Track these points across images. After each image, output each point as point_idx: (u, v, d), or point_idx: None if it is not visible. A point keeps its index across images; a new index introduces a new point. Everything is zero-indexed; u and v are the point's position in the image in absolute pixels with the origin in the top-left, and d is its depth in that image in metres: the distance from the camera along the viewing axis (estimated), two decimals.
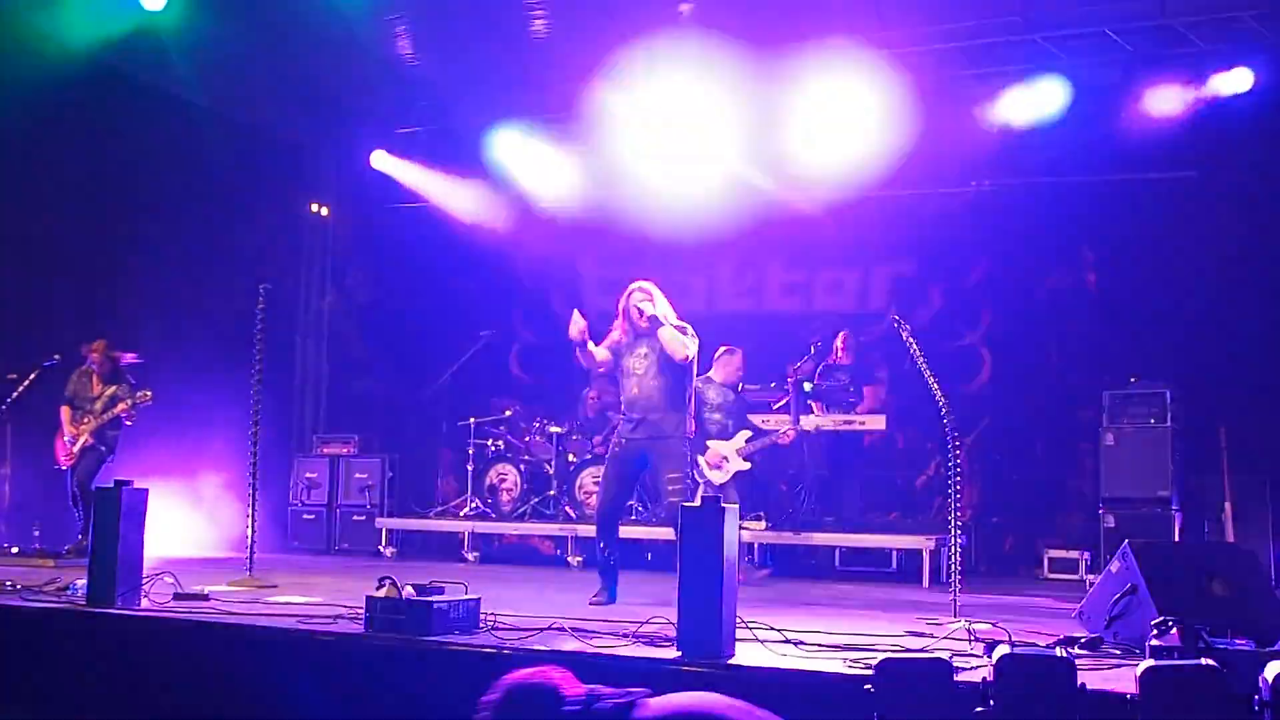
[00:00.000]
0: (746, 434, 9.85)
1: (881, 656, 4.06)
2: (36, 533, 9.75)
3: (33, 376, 9.38)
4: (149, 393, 9.54)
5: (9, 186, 10.23)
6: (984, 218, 11.70)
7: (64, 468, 9.58)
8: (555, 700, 2.97)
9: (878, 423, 10.25)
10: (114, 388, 9.60)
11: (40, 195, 10.39)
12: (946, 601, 6.82)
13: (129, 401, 9.45)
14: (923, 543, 9.56)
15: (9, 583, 6.75)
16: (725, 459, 9.77)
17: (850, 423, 10.30)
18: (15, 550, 9.14)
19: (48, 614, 5.91)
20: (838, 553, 10.64)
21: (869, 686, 3.86)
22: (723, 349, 10.01)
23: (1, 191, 10.17)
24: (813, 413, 10.37)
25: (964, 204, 11.93)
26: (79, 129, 10.66)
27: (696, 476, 9.37)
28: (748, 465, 9.77)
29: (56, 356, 9.50)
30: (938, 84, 11.01)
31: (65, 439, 9.58)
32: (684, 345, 7.14)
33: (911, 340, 7.22)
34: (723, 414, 9.90)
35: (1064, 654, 3.91)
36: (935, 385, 7.21)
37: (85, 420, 9.55)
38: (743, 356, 10.05)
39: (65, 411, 9.65)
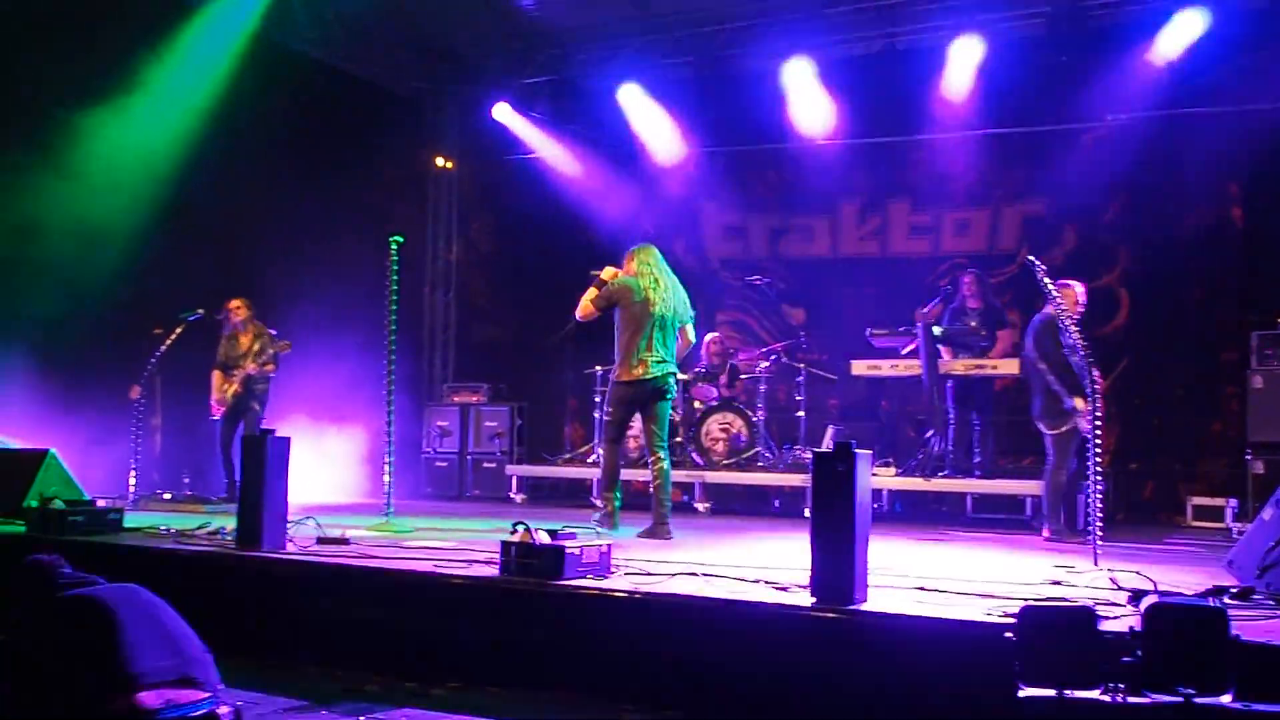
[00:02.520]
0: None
1: (1021, 604, 3.98)
2: (186, 480, 10.13)
3: (178, 331, 9.71)
4: (288, 342, 9.93)
5: (149, 151, 10.53)
6: (1120, 153, 11.32)
7: (216, 417, 10.03)
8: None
9: (1010, 366, 10.02)
10: (258, 341, 9.97)
11: (177, 157, 10.67)
12: (1085, 549, 6.67)
13: (272, 350, 9.82)
14: None
15: (163, 527, 7.02)
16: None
17: (981, 367, 10.09)
18: (168, 497, 9.49)
19: (200, 557, 6.13)
20: (969, 499, 10.49)
21: (1009, 634, 3.79)
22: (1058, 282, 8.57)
23: (142, 156, 10.47)
24: (942, 357, 10.19)
25: (1098, 139, 11.56)
26: (212, 92, 10.89)
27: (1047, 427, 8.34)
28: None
29: (200, 311, 9.82)
30: (1071, 15, 10.66)
31: (215, 400, 10.05)
32: (580, 305, 8.08)
33: (1047, 281, 7.03)
34: (1081, 353, 8.36)
35: (1216, 604, 3.79)
36: (1073, 328, 7.03)
37: (234, 377, 9.95)
38: (1084, 289, 8.58)
39: (217, 376, 10.12)
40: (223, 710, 3.59)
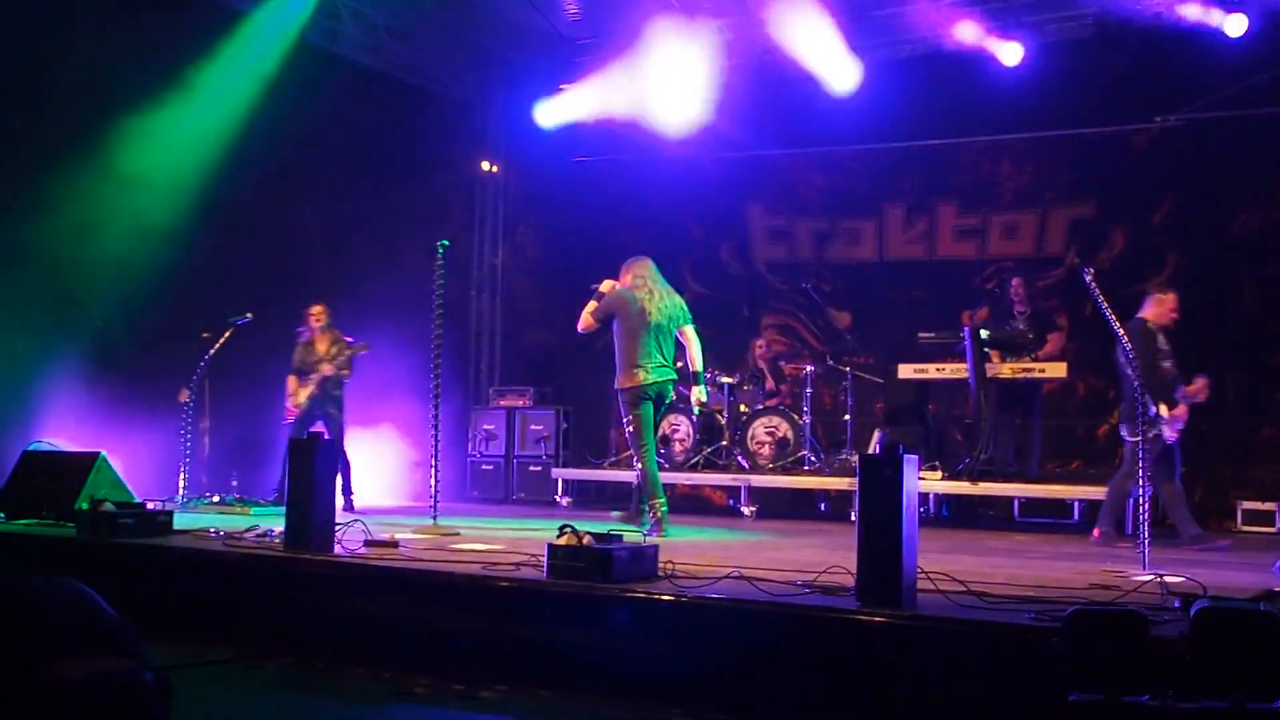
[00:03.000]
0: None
1: (1070, 608, 3.95)
2: (234, 483, 10.24)
3: (226, 335, 9.81)
4: (365, 344, 10.10)
5: (198, 154, 10.67)
6: (1170, 154, 11.21)
7: (288, 421, 10.14)
8: None
9: (1058, 370, 9.95)
10: (334, 346, 10.10)
11: (225, 161, 10.80)
12: (1133, 553, 6.61)
13: (349, 355, 10.06)
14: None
15: (212, 529, 7.10)
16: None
17: (1029, 370, 10.01)
18: (216, 499, 9.59)
19: (248, 559, 6.19)
20: (1016, 503, 10.41)
21: (1058, 639, 3.76)
22: (1154, 289, 8.76)
23: (192, 159, 10.60)
24: (990, 361, 10.12)
25: (1148, 141, 11.45)
26: (262, 96, 11.00)
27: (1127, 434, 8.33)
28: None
29: (248, 315, 9.91)
30: (1119, 16, 10.57)
31: (290, 404, 10.17)
32: (580, 318, 8.47)
33: (1095, 284, 6.97)
34: (1173, 360, 8.40)
35: (1266, 608, 3.75)
36: (1121, 331, 6.97)
37: (309, 382, 10.07)
38: (1175, 299, 8.53)
39: (292, 380, 10.22)
40: (145, 679, 3.61)
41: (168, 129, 10.14)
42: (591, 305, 8.37)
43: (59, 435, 9.06)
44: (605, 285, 8.46)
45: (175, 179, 10.30)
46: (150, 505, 7.26)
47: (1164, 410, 7.89)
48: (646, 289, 8.35)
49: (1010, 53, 11.20)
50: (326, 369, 10.05)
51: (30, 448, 8.10)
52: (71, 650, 3.49)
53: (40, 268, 9.61)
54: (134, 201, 9.99)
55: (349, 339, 10.26)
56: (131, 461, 9.07)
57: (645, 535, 7.34)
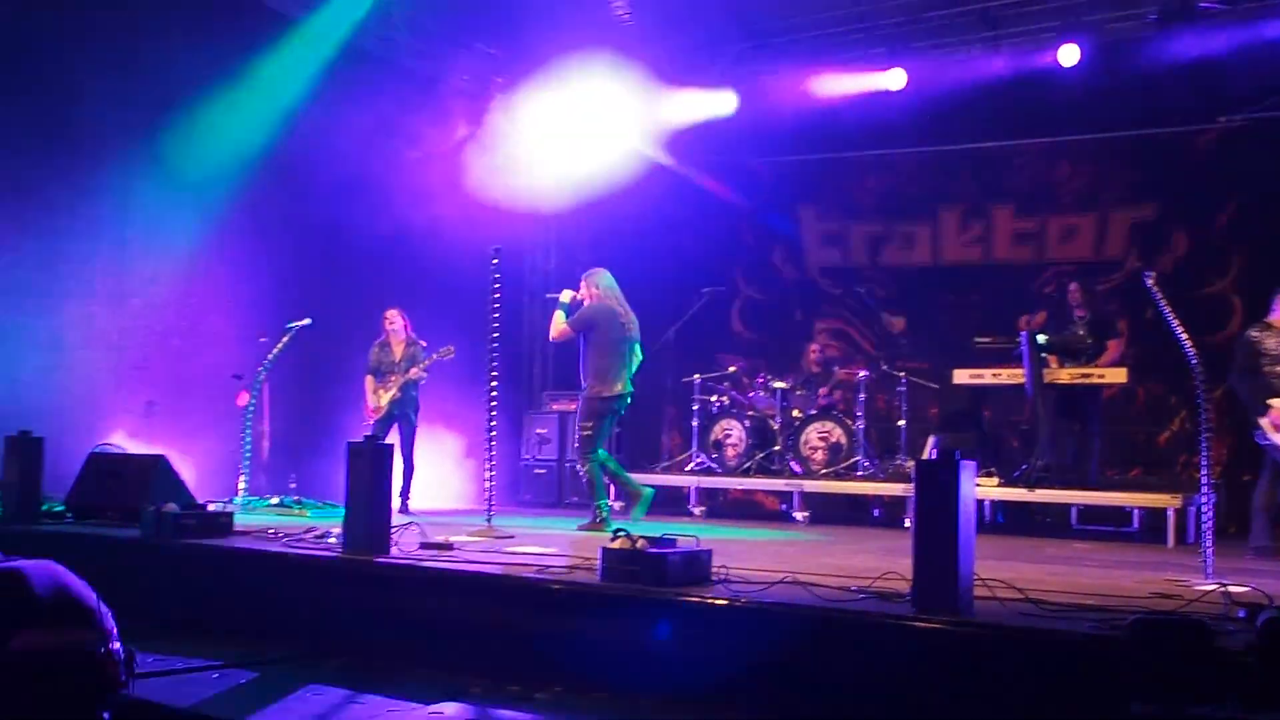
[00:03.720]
0: None
1: (1132, 617, 3.90)
2: (293, 485, 10.34)
3: (285, 339, 9.93)
4: (450, 348, 10.34)
5: (256, 159, 10.79)
6: (1234, 155, 11.05)
7: (370, 421, 10.31)
8: None
9: (1118, 376, 9.83)
10: (410, 348, 10.25)
11: (284, 166, 10.91)
12: (1195, 563, 6.51)
13: (430, 359, 10.28)
14: (1168, 501, 9.13)
15: (272, 531, 7.18)
16: None
17: (1088, 376, 9.90)
18: (275, 501, 9.70)
19: (308, 560, 6.25)
20: (1074, 511, 10.29)
21: (1120, 648, 3.72)
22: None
23: (249, 164, 10.73)
24: (1048, 366, 10.01)
25: (1211, 141, 11.30)
26: (318, 104, 11.12)
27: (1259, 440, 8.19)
28: None
29: (308, 319, 10.03)
30: (1182, 14, 10.42)
31: (370, 406, 10.33)
32: (553, 328, 8.87)
33: (1157, 289, 6.88)
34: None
35: None
36: (1185, 336, 6.87)
37: (389, 384, 10.19)
38: None
39: (369, 381, 10.41)
40: (115, 646, 3.97)
41: (226, 133, 10.27)
42: (561, 315, 8.72)
43: (123, 438, 9.21)
44: (565, 295, 8.79)
45: (234, 182, 10.43)
46: (211, 506, 7.36)
47: (1263, 421, 7.91)
48: (620, 302, 8.69)
49: (1068, 53, 11.08)
50: (413, 372, 10.22)
51: (95, 450, 8.22)
52: (41, 622, 3.89)
53: (102, 272, 9.78)
54: (193, 204, 10.13)
55: (423, 343, 10.45)
56: (192, 464, 9.20)
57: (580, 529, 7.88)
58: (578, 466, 8.84)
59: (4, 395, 8.87)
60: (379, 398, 10.35)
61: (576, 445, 8.79)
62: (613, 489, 9.09)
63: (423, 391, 10.74)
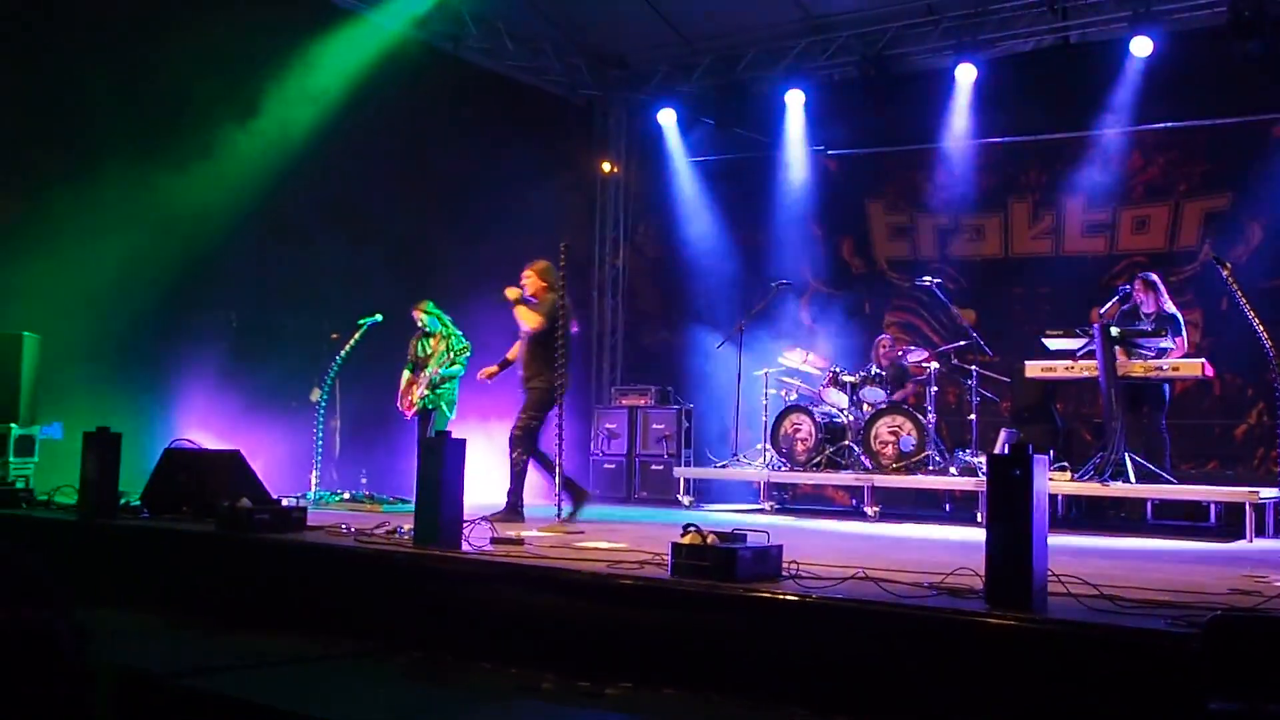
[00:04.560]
0: None
1: (1209, 614, 3.84)
2: (364, 480, 10.47)
3: (356, 336, 10.04)
4: (468, 345, 10.20)
5: (330, 161, 10.95)
6: None
7: (408, 417, 10.32)
8: None
9: (1193, 369, 9.64)
10: (444, 342, 10.26)
11: (354, 167, 11.05)
12: (1275, 558, 6.38)
13: (452, 356, 10.18)
14: (1246, 495, 8.94)
15: (344, 526, 7.27)
16: None
17: (1162, 369, 9.72)
18: (346, 496, 9.82)
19: (380, 555, 6.32)
20: (1149, 505, 10.13)
21: (1197, 645, 3.66)
22: None
23: (324, 164, 10.89)
24: (1119, 359, 9.85)
25: None
26: (387, 100, 11.25)
27: None
28: None
29: (378, 316, 10.13)
30: (1254, 3, 10.21)
31: (400, 400, 10.32)
32: (524, 320, 8.68)
33: (1232, 279, 6.76)
34: None
35: None
36: (1261, 327, 6.75)
37: (421, 380, 10.25)
38: None
39: (406, 376, 10.36)
40: (61, 627, 4.09)
41: (298, 132, 10.42)
42: (524, 309, 8.64)
43: (198, 433, 9.37)
44: (512, 292, 8.72)
45: (306, 182, 10.57)
46: (285, 502, 7.46)
47: None
48: (563, 295, 8.58)
49: (1140, 44, 10.90)
50: (430, 372, 10.18)
51: (171, 445, 8.37)
52: (7, 599, 4.08)
53: (179, 273, 9.96)
54: (269, 205, 10.29)
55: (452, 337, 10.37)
56: (266, 459, 9.34)
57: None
58: (511, 453, 8.67)
59: (82, 390, 9.10)
60: (411, 392, 10.25)
61: (518, 433, 8.60)
62: (546, 484, 9.00)
63: (489, 386, 10.80)
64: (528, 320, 8.67)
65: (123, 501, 7.82)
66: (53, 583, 4.25)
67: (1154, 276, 10.11)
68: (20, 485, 8.59)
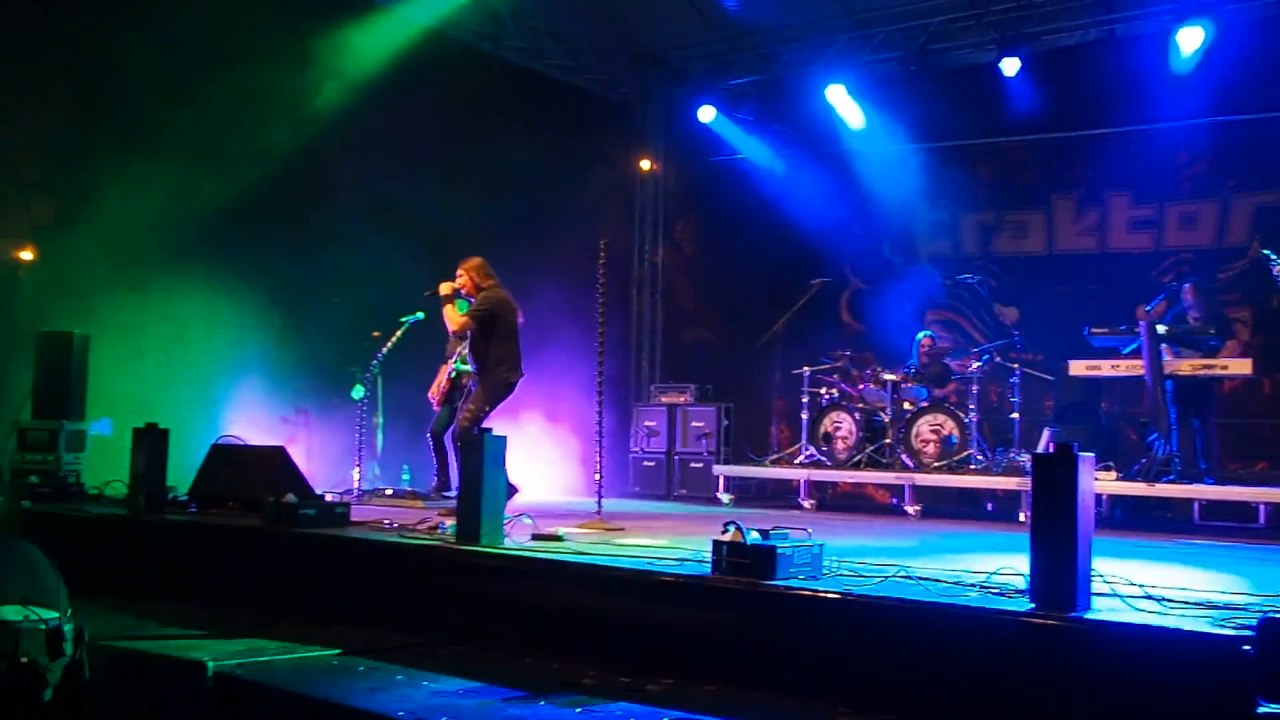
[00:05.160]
0: None
1: (1259, 616, 3.79)
2: (406, 476, 10.53)
3: (398, 334, 10.10)
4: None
5: (371, 159, 11.01)
6: None
7: (436, 409, 10.28)
8: None
9: (1242, 367, 9.52)
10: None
11: (395, 166, 11.11)
12: None
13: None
14: None
15: (386, 521, 7.32)
16: None
17: (1210, 367, 9.60)
18: (389, 492, 9.88)
19: (422, 550, 6.36)
20: (1197, 506, 10.02)
21: (1247, 647, 3.62)
22: None
23: (364, 163, 10.96)
24: (1166, 357, 9.75)
25: None
26: (427, 99, 11.30)
27: None
28: None
29: (420, 314, 10.18)
30: None
31: (433, 392, 10.36)
32: (452, 320, 8.75)
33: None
34: None
35: None
36: None
37: (441, 371, 10.29)
38: None
39: (442, 369, 10.39)
40: (67, 627, 4.49)
41: (339, 131, 10.49)
42: (454, 308, 8.66)
43: (243, 429, 9.46)
44: (445, 287, 8.72)
45: (348, 182, 10.64)
46: (329, 498, 7.52)
47: None
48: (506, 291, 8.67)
49: (1189, 37, 10.78)
50: (448, 366, 10.17)
51: (218, 441, 8.46)
52: (12, 598, 4.50)
53: (224, 272, 10.06)
54: (312, 204, 10.37)
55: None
56: (310, 455, 9.42)
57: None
58: (454, 444, 8.68)
59: (129, 386, 9.21)
60: (438, 383, 10.14)
61: (464, 424, 8.52)
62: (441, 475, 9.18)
63: (533, 383, 10.81)
64: (451, 320, 8.78)
65: (170, 496, 7.93)
66: (64, 592, 4.40)
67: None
68: (71, 480, 8.71)
